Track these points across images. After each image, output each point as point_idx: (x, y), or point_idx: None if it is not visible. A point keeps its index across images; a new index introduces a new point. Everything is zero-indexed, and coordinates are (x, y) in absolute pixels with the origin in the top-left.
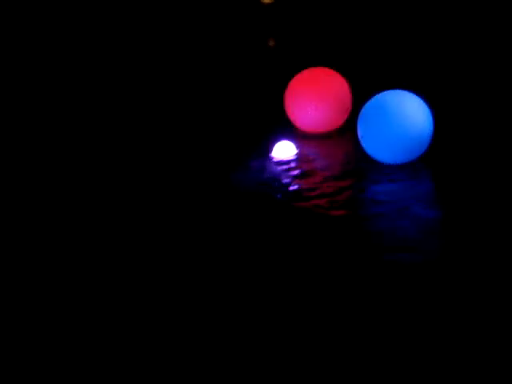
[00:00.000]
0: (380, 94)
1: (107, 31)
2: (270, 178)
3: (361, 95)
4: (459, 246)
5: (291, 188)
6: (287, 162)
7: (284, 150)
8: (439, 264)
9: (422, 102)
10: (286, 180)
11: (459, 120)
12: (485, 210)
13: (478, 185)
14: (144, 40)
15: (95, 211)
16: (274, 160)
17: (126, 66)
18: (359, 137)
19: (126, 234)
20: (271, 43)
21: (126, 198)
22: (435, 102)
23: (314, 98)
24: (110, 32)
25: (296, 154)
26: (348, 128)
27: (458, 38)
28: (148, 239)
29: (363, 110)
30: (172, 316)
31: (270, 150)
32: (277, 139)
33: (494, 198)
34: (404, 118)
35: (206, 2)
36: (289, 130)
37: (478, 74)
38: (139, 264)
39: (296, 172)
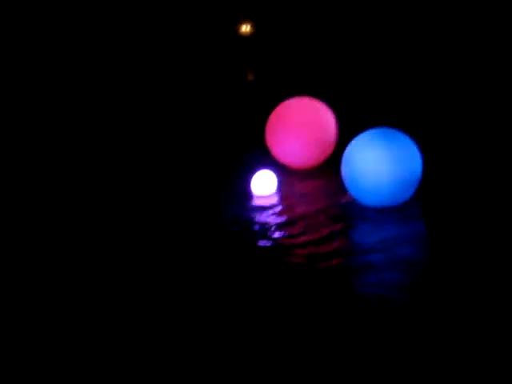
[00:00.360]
0: (366, 133)
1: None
2: (251, 221)
3: (346, 127)
4: (448, 290)
5: (273, 235)
6: (270, 206)
7: (265, 187)
8: (427, 308)
9: (410, 141)
10: (268, 225)
11: (448, 161)
12: (475, 254)
13: (467, 225)
14: (124, 79)
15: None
16: (255, 199)
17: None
18: (343, 174)
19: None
20: (250, 76)
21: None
22: (424, 142)
23: (297, 133)
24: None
25: (277, 193)
26: (333, 162)
27: (444, 76)
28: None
29: (348, 151)
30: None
31: (250, 186)
32: (258, 174)
33: (483, 240)
34: (392, 160)
35: (186, 34)
36: (270, 164)
37: (465, 114)
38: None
39: (278, 217)
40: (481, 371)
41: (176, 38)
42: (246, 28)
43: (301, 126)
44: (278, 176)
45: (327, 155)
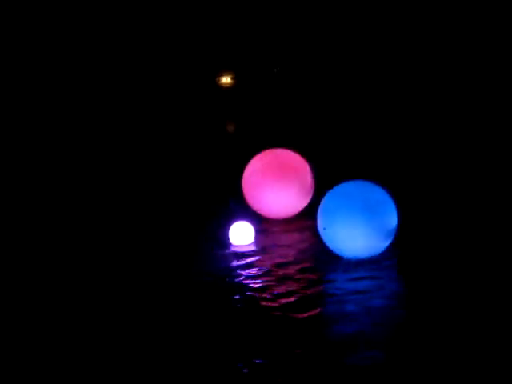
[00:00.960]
0: (342, 185)
1: None
2: (226, 271)
3: (323, 179)
4: (425, 345)
5: (248, 286)
6: (246, 255)
7: (243, 237)
8: (402, 364)
9: (386, 194)
10: (243, 275)
11: (423, 212)
12: (451, 306)
13: (443, 277)
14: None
15: None
16: (232, 248)
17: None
18: (321, 228)
19: None
20: (230, 127)
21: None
22: (399, 194)
23: (274, 186)
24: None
25: (255, 243)
26: (309, 213)
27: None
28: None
29: (323, 203)
30: None
31: (227, 237)
32: (236, 225)
33: (458, 292)
34: (369, 212)
35: (164, 86)
36: (247, 214)
37: (438, 166)
38: None
39: (254, 268)
40: None
41: (155, 89)
42: (226, 79)
43: (277, 178)
44: (255, 226)
45: (304, 206)
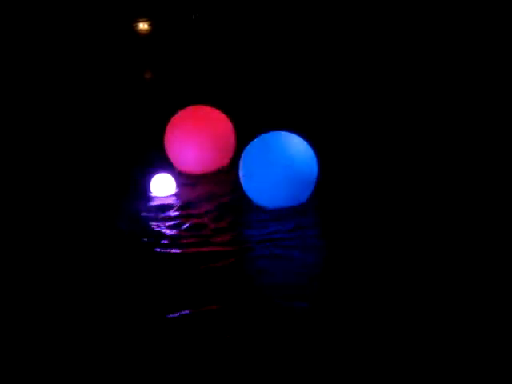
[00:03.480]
0: (263, 136)
1: None
2: (146, 221)
3: (244, 135)
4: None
5: (168, 233)
6: (166, 207)
7: (164, 189)
8: (321, 309)
9: (306, 144)
10: (163, 226)
11: (342, 162)
12: (368, 252)
13: (361, 227)
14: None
15: None
16: (153, 200)
17: None
18: (241, 176)
19: None
20: (148, 75)
21: None
22: (319, 143)
23: (196, 140)
24: None
25: (175, 195)
26: (233, 167)
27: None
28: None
29: (245, 153)
30: None
31: (149, 188)
32: (157, 176)
33: (376, 240)
34: (288, 161)
35: (81, 32)
36: (169, 168)
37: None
38: None
39: (173, 219)
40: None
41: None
42: (143, 26)
43: (197, 134)
44: (176, 179)
45: (226, 161)
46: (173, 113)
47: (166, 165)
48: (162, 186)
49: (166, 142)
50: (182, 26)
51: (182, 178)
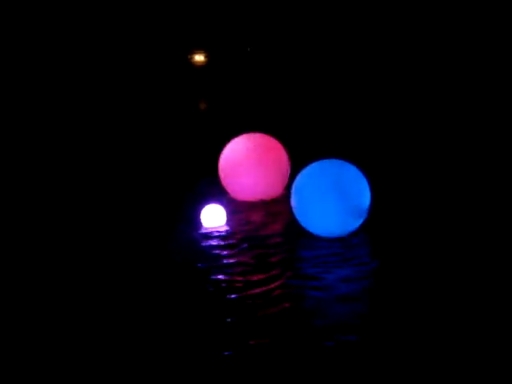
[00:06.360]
0: (316, 164)
1: None
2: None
3: (298, 162)
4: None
5: (220, 269)
6: (216, 237)
7: (214, 219)
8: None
9: (359, 172)
10: (214, 255)
11: (396, 191)
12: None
13: (413, 257)
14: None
15: None
16: (203, 229)
17: None
18: (292, 204)
19: None
20: (202, 106)
21: None
22: (372, 173)
23: (251, 168)
24: None
25: (226, 225)
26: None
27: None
28: None
29: (298, 180)
30: None
31: (200, 219)
32: (208, 207)
33: (427, 270)
34: (341, 190)
35: (138, 64)
36: (221, 197)
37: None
38: None
39: (225, 250)
40: None
41: (130, 67)
42: (199, 57)
43: (254, 162)
44: (227, 207)
45: (281, 189)
46: (227, 141)
47: (218, 193)
48: (213, 217)
49: (219, 170)
50: (238, 58)
51: (233, 205)
